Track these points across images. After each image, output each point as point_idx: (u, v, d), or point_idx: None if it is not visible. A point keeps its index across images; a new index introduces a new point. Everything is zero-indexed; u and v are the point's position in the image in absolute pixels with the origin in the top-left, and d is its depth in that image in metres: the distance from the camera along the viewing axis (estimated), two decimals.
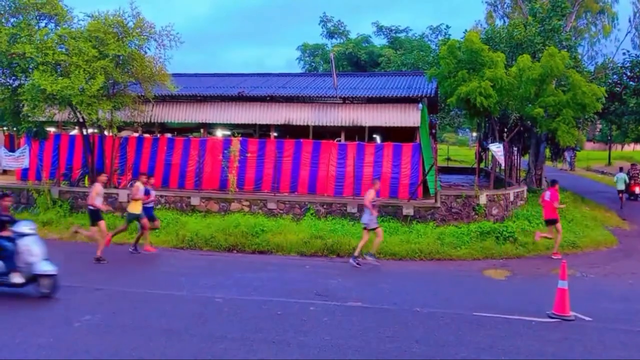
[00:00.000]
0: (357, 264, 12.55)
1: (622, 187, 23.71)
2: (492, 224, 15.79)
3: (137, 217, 13.40)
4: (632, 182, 25.45)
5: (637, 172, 26.54)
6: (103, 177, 13.60)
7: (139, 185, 13.44)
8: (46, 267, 9.07)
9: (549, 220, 14.26)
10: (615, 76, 24.91)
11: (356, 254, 12.67)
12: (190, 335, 7.45)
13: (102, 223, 12.75)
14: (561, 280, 8.74)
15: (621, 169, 25.73)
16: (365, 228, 12.90)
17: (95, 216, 12.66)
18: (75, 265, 12.20)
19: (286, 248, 14.00)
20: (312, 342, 7.30)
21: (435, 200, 16.65)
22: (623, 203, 23.30)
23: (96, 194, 12.65)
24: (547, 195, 14.38)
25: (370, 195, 12.91)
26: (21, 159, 18.79)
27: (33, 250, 9.15)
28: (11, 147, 20.30)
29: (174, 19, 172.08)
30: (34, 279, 9.11)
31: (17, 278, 9.05)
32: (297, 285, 10.77)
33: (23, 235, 9.30)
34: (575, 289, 9.20)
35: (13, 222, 9.70)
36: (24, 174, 20.73)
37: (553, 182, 14.98)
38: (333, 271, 12.19)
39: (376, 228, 12.98)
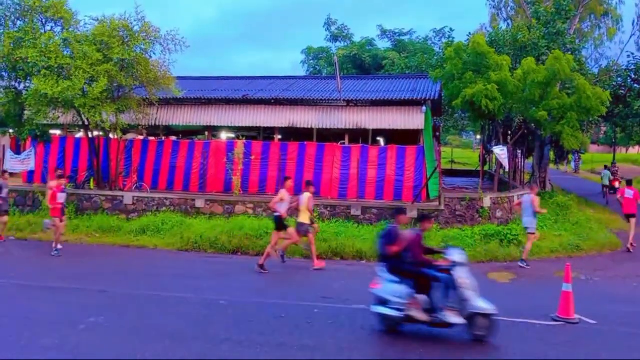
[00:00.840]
0: (527, 265, 13.14)
1: (606, 182, 27.44)
2: (496, 226, 15.78)
3: (306, 228, 12.76)
4: (613, 178, 28.12)
5: (617, 169, 31.11)
6: (289, 183, 13.34)
7: (308, 195, 12.75)
8: (484, 305, 7.55)
9: (629, 215, 15.82)
10: (619, 79, 24.87)
11: (524, 257, 13.29)
12: (194, 338, 7.48)
13: (291, 230, 12.67)
14: (565, 283, 8.73)
15: (606, 167, 29.99)
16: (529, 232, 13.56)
17: (280, 223, 12.45)
18: (81, 268, 12.29)
19: (290, 251, 14.00)
20: (315, 345, 7.31)
21: (439, 203, 16.65)
22: (607, 196, 26.22)
23: (280, 200, 12.42)
24: (630, 193, 15.86)
25: (537, 200, 13.38)
26: (27, 161, 18.92)
27: (469, 283, 7.65)
28: (17, 149, 20.41)
29: (181, 22, 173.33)
30: (468, 317, 7.59)
31: (453, 317, 7.57)
32: (302, 288, 10.79)
33: (456, 264, 7.78)
34: (579, 292, 9.18)
35: (439, 251, 8.31)
36: (30, 176, 20.84)
37: (629, 182, 16.68)
38: (337, 274, 12.20)
39: (533, 233, 13.53)
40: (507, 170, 21.30)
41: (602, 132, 52.43)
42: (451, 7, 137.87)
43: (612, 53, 32.30)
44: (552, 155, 31.09)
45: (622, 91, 24.29)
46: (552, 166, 35.54)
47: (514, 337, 7.82)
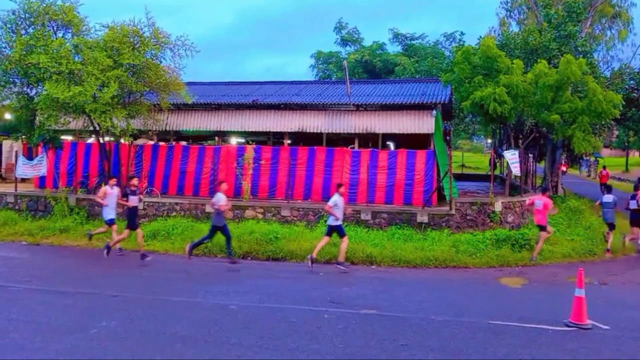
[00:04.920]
0: None
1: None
2: (508, 231, 15.65)
3: None
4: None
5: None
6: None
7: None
8: None
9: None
10: (632, 81, 24.64)
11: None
12: (205, 342, 7.48)
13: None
14: (578, 288, 8.63)
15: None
16: None
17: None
18: (92, 272, 12.34)
19: (300, 255, 14.00)
20: (326, 350, 7.28)
21: (450, 208, 16.56)
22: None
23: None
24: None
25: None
26: (38, 166, 19.09)
27: None
28: (29, 155, 20.61)
29: (198, 28, 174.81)
30: None
31: None
32: (311, 293, 10.76)
33: None
34: (592, 297, 9.08)
35: None
36: (42, 181, 21.03)
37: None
38: (347, 278, 12.17)
39: None
40: (518, 175, 21.14)
41: (615, 136, 52.00)
42: (469, 11, 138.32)
43: (624, 56, 32.10)
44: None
45: (635, 94, 24.06)
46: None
47: (525, 343, 7.74)
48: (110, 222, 13.84)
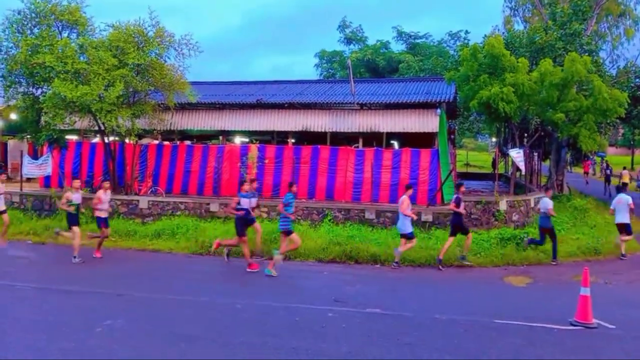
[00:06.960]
0: None
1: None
2: (513, 230, 15.62)
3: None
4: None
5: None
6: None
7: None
8: None
9: None
10: (637, 80, 24.53)
11: None
12: (209, 341, 7.49)
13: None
14: (583, 287, 8.60)
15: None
16: None
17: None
18: (97, 271, 12.38)
19: (304, 254, 13.99)
20: (330, 349, 7.28)
21: None
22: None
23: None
24: None
25: None
26: (43, 166, 19.17)
27: None
28: (34, 155, 20.68)
29: (204, 29, 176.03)
30: None
31: None
32: (316, 292, 10.76)
33: None
34: (598, 296, 9.04)
35: None
36: (47, 181, 21.09)
37: None
38: (351, 278, 12.15)
39: None
40: (523, 173, 21.08)
41: (620, 134, 51.78)
42: (473, 11, 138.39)
43: (630, 54, 31.86)
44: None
45: None
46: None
47: (531, 342, 7.71)
48: (411, 235, 13.27)
